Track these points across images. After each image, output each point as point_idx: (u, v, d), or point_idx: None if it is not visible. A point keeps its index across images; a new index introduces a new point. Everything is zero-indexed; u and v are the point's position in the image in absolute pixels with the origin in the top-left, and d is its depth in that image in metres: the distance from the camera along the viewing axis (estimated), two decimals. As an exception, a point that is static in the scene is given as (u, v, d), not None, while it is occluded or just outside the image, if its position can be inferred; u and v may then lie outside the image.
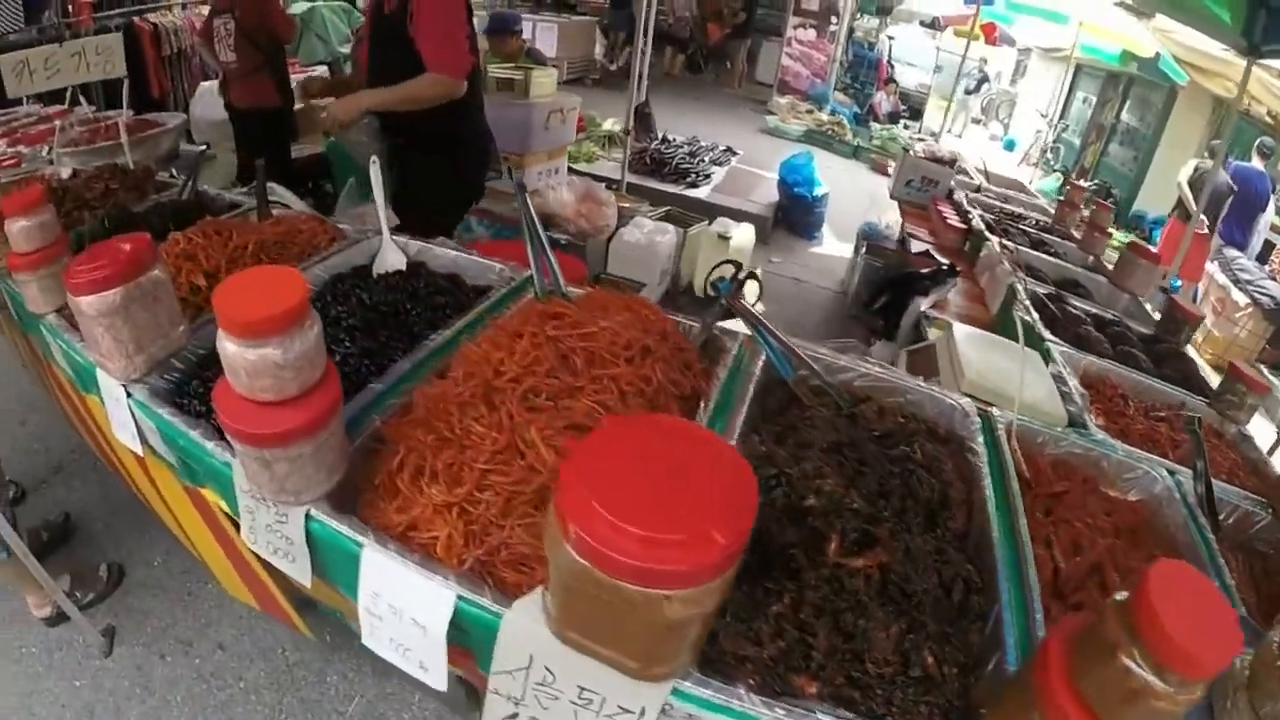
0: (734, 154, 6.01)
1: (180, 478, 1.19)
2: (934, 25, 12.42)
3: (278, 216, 1.83)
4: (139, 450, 1.25)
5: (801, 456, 1.09)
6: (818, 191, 5.17)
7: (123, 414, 1.21)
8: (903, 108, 10.75)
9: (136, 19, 6.52)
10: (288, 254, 1.63)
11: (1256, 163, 5.57)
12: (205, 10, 6.98)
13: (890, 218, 4.82)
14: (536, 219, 1.39)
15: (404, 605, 0.83)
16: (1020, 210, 3.98)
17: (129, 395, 1.19)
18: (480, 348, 1.04)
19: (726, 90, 10.25)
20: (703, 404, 1.13)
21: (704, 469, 0.64)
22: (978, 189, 4.18)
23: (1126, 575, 1.06)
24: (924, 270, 2.59)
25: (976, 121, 14.79)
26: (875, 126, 9.01)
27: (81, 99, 4.21)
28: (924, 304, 2.44)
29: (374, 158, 1.72)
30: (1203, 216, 4.77)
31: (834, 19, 9.79)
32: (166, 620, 2.12)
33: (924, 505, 1.10)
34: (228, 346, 0.78)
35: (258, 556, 1.12)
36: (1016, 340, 1.65)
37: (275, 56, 3.79)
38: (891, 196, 4.15)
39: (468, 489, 0.85)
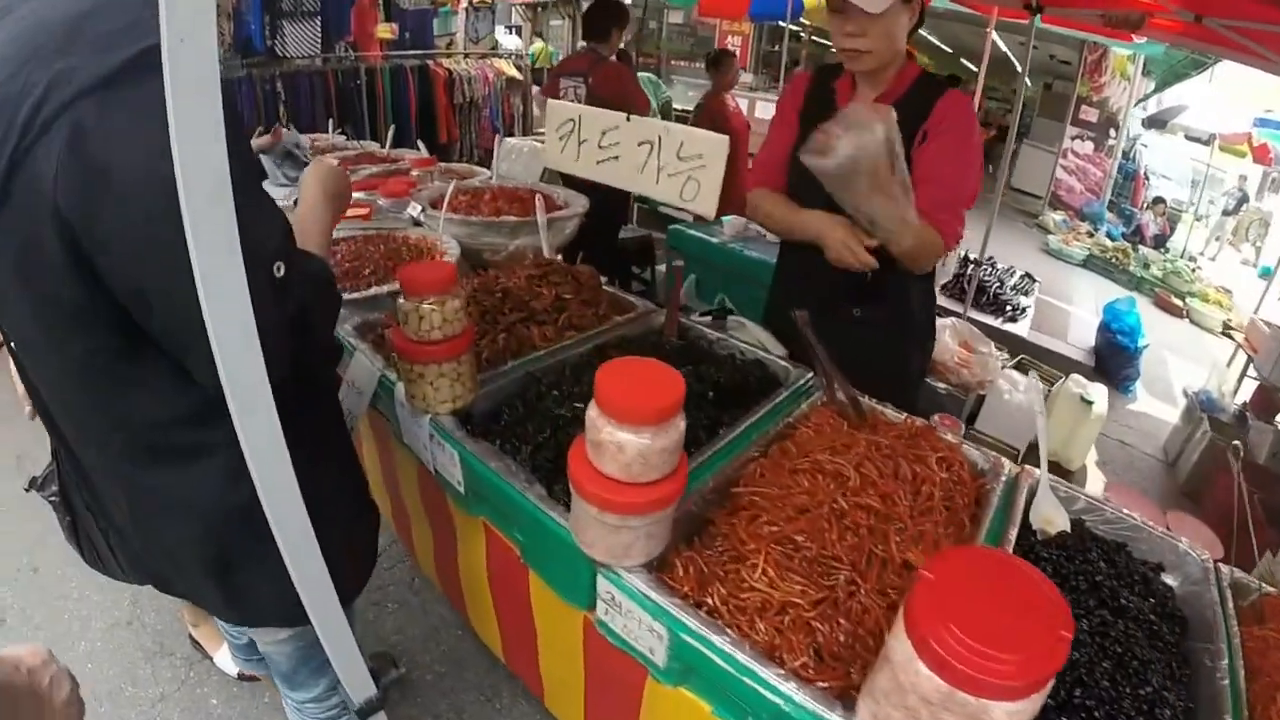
0: (1034, 281, 6.03)
1: None
2: (1207, 142, 11.81)
3: (885, 417, 1.42)
4: None
5: None
6: (1141, 343, 5.19)
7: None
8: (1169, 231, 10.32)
9: (431, 62, 6.52)
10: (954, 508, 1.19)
11: None
12: (499, 63, 7.44)
13: (1225, 386, 4.83)
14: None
15: None
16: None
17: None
18: None
19: (986, 194, 10.23)
20: None
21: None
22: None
23: None
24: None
25: (1229, 243, 13.80)
26: (1145, 251, 8.74)
27: (331, 124, 4.17)
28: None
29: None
30: None
31: (1113, 132, 9.62)
32: (538, 823, 1.61)
33: None
34: None
35: None
36: None
37: (625, 131, 3.73)
38: (1264, 381, 4.22)
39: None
